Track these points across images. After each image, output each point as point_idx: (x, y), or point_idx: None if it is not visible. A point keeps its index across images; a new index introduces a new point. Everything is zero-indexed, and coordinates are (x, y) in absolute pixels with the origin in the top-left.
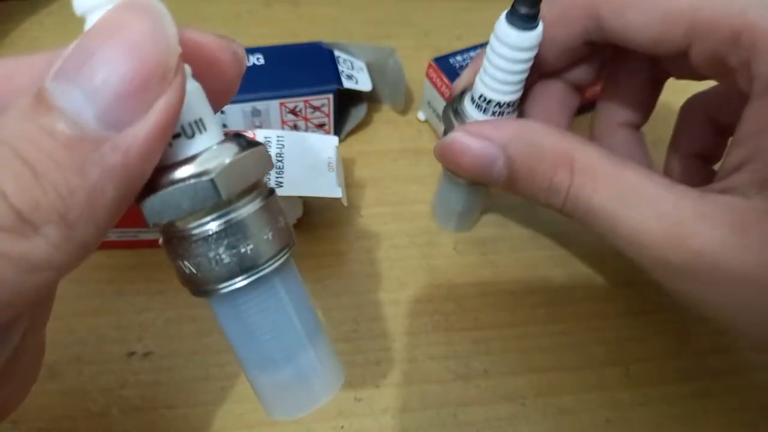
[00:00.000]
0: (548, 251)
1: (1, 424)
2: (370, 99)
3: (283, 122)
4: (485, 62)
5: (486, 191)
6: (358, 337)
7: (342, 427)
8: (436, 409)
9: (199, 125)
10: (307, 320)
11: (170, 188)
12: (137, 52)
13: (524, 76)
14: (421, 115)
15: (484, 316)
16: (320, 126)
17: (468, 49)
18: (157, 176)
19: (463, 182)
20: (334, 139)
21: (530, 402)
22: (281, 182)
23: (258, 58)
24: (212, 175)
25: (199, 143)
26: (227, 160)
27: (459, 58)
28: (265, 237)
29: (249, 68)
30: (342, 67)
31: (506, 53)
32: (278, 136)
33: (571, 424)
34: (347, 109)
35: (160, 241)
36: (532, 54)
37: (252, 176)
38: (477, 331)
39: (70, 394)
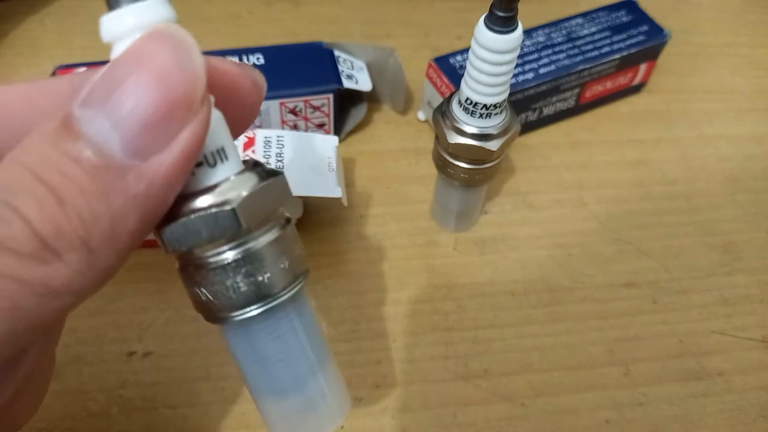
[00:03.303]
0: (548, 251)
1: None
2: (370, 99)
3: (283, 122)
4: (468, 66)
5: (483, 192)
6: (358, 337)
7: (342, 428)
8: (436, 409)
9: (220, 154)
10: (317, 348)
11: (191, 217)
12: (164, 83)
13: (508, 77)
14: (421, 115)
15: (483, 316)
16: (320, 126)
17: (468, 49)
18: (178, 204)
19: (458, 184)
20: (334, 139)
21: (530, 402)
22: None
23: (258, 58)
24: (233, 205)
25: (220, 172)
26: (247, 191)
27: (459, 58)
28: (282, 266)
29: None
30: (342, 67)
31: (487, 56)
32: (278, 136)
33: (571, 424)
34: (347, 109)
35: (177, 266)
36: (512, 56)
37: (271, 206)
38: (477, 331)
39: (70, 394)
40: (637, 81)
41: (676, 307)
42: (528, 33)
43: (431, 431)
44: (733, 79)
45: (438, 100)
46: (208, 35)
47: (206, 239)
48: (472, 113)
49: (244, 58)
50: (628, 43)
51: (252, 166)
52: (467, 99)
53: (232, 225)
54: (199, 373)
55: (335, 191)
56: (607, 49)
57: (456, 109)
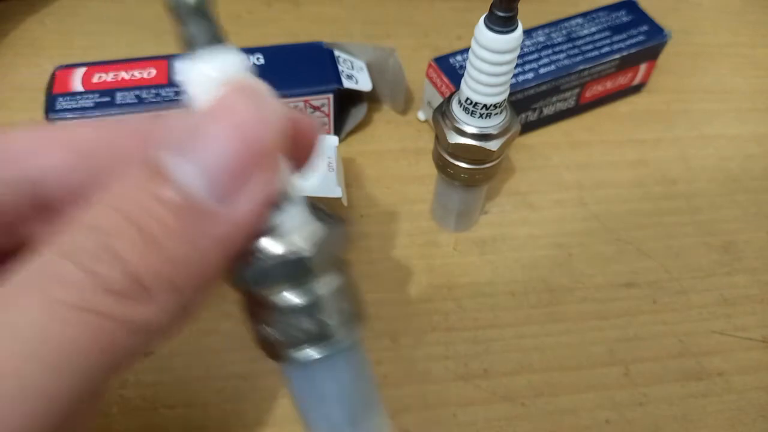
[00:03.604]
0: (548, 251)
1: None
2: (370, 99)
3: None
4: (468, 66)
5: (483, 192)
6: None
7: None
8: (436, 409)
9: (287, 197)
10: (371, 392)
11: (266, 260)
12: (246, 134)
13: (508, 77)
14: (421, 115)
15: (483, 316)
16: (320, 126)
17: (468, 49)
18: (248, 244)
19: (459, 184)
20: (334, 139)
21: (530, 402)
22: None
23: (258, 58)
24: (307, 253)
25: (288, 214)
26: (319, 237)
27: (459, 58)
28: (346, 311)
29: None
30: (342, 67)
31: (487, 56)
32: None
33: (571, 424)
34: (347, 109)
35: (241, 302)
36: (512, 56)
37: (338, 252)
38: (477, 331)
39: None
40: (637, 81)
41: (676, 307)
42: (528, 33)
43: (431, 431)
44: (733, 79)
45: (438, 100)
46: None
47: (279, 282)
48: (472, 113)
49: None
50: (628, 43)
51: (314, 209)
52: (467, 99)
53: (304, 270)
54: (199, 373)
55: (335, 191)
56: (607, 49)
57: (456, 109)
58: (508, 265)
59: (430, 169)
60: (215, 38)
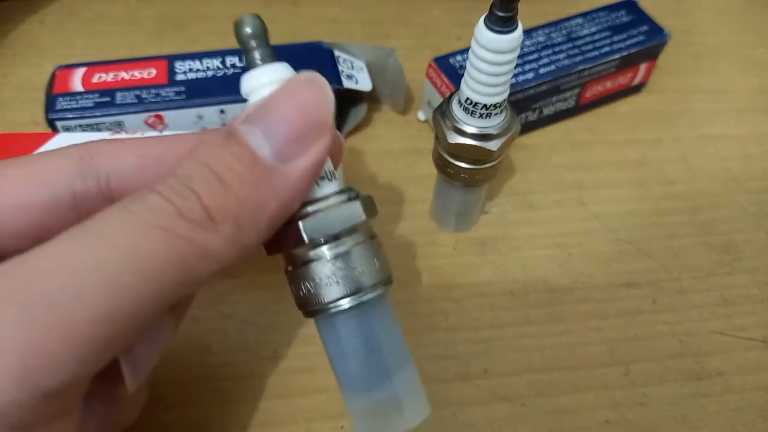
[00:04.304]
0: (548, 251)
1: None
2: (370, 99)
3: None
4: (468, 66)
5: (483, 192)
6: None
7: (342, 427)
8: (436, 409)
9: (334, 174)
10: (400, 348)
11: (330, 209)
12: (305, 110)
13: (508, 77)
14: (421, 115)
15: (484, 316)
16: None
17: (468, 49)
18: (301, 208)
19: (459, 184)
20: None
21: (530, 402)
22: None
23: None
24: (359, 200)
25: (333, 186)
26: (361, 198)
27: (459, 58)
28: (373, 267)
29: None
30: (342, 67)
31: (487, 56)
32: None
33: (571, 424)
34: (347, 109)
35: (286, 268)
36: (512, 56)
37: (368, 215)
38: (477, 331)
39: None
40: (637, 81)
41: (676, 307)
42: (528, 33)
43: (431, 431)
44: (733, 79)
45: (438, 100)
46: (208, 35)
47: (337, 228)
48: (472, 113)
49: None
50: (628, 43)
51: (349, 188)
52: (467, 99)
53: (358, 216)
54: (199, 373)
55: None
56: (607, 49)
57: (456, 109)
58: (508, 265)
59: (430, 169)
60: (270, 57)
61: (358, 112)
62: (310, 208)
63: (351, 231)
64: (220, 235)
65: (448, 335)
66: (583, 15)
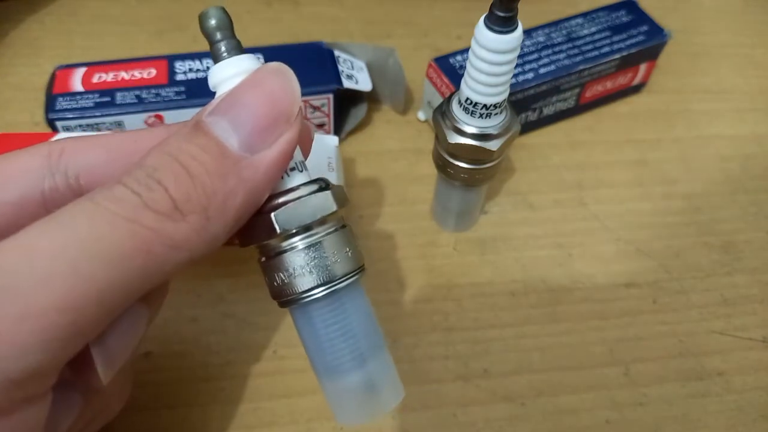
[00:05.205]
0: (548, 251)
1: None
2: (370, 99)
3: None
4: (468, 66)
5: (483, 192)
6: None
7: (342, 428)
8: (436, 409)
9: (304, 164)
10: (374, 333)
11: (301, 199)
12: (272, 100)
13: (508, 77)
14: (421, 115)
15: (483, 316)
16: (320, 126)
17: (468, 49)
18: (270, 200)
19: (459, 184)
20: (334, 139)
21: (530, 402)
22: None
23: (258, 58)
24: (329, 190)
25: (303, 177)
26: (334, 185)
27: (459, 58)
28: (345, 256)
29: None
30: (342, 67)
31: (487, 56)
32: None
33: (571, 424)
34: (347, 109)
35: (260, 258)
36: (512, 56)
37: (339, 204)
38: (477, 331)
39: None
40: (637, 81)
41: (676, 307)
42: (528, 33)
43: (431, 431)
44: (733, 79)
45: (438, 100)
46: None
47: (308, 219)
48: (472, 113)
49: None
50: (628, 43)
51: (319, 178)
52: (467, 99)
53: (329, 205)
54: (199, 373)
55: None
56: (607, 49)
57: (456, 109)
58: (508, 265)
59: (430, 169)
60: (236, 48)
61: (358, 112)
62: (281, 199)
63: (322, 221)
64: (187, 226)
65: (448, 335)
66: (583, 15)
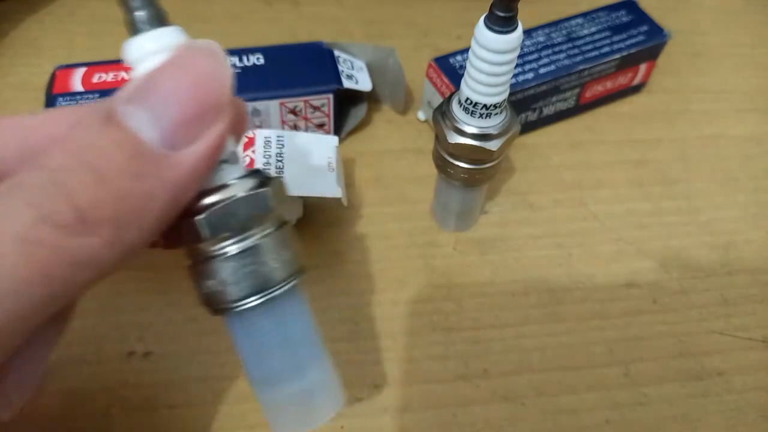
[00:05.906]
0: (548, 251)
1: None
2: (370, 99)
3: (283, 122)
4: (468, 66)
5: (483, 192)
6: (358, 337)
7: (342, 427)
8: (436, 409)
9: (237, 155)
10: (312, 341)
11: (232, 200)
12: (199, 87)
13: (508, 77)
14: (421, 115)
15: (483, 316)
16: (320, 126)
17: (468, 49)
18: (198, 199)
19: (459, 184)
20: (334, 139)
21: (530, 402)
22: None
23: (258, 58)
24: (268, 188)
25: (236, 171)
26: (273, 180)
27: (459, 58)
28: (281, 260)
29: (249, 68)
30: (342, 67)
31: (487, 56)
32: (278, 136)
33: (571, 424)
34: (347, 109)
35: (187, 263)
36: (512, 56)
37: (278, 202)
38: (476, 331)
39: (70, 394)
40: (637, 81)
41: (676, 307)
42: (528, 33)
43: (431, 431)
44: (733, 79)
45: (438, 100)
46: (208, 35)
47: (230, 227)
48: (472, 113)
49: (244, 58)
50: (628, 43)
51: (254, 171)
52: (467, 99)
53: (266, 205)
54: (199, 373)
55: (335, 191)
56: (607, 49)
57: (456, 109)
58: (508, 265)
59: (430, 169)
60: (157, 19)
61: (358, 112)
62: (210, 199)
63: (258, 221)
64: (96, 239)
65: (448, 335)
66: (583, 15)
